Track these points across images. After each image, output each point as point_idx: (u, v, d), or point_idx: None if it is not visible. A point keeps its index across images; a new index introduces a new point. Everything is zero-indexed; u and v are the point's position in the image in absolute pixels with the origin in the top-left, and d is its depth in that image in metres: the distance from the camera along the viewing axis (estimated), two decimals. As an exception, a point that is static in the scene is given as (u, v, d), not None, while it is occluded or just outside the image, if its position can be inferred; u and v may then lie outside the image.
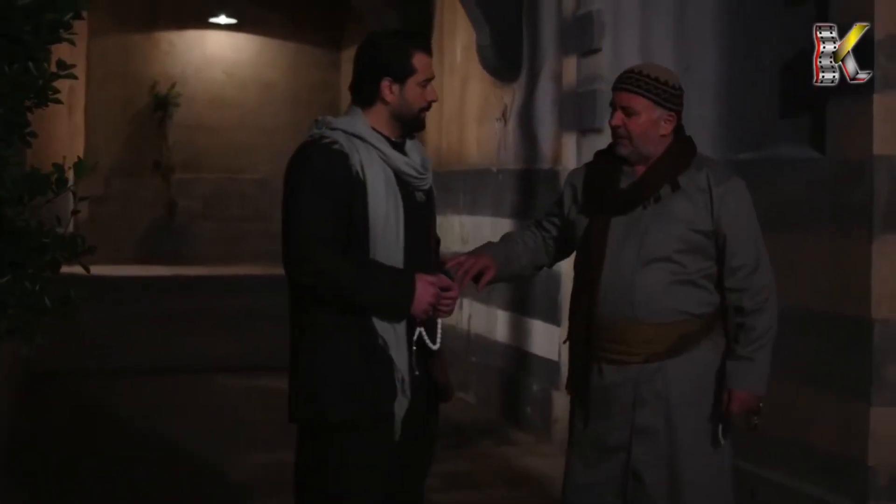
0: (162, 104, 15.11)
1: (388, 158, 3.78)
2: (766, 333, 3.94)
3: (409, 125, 3.88)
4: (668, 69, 4.14)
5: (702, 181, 3.93)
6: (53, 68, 3.67)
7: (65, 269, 3.85)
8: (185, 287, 12.73)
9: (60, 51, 4.02)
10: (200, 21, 15.37)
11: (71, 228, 4.03)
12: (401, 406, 3.74)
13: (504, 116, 9.18)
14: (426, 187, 3.91)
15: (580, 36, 7.73)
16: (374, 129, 3.81)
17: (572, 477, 4.07)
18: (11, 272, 3.66)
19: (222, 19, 15.34)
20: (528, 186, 8.66)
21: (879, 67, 4.89)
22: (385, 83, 3.80)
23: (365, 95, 3.84)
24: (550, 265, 4.33)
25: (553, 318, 8.11)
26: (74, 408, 9.24)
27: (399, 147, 3.86)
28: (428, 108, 3.88)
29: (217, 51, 15.58)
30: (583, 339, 3.97)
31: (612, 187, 3.99)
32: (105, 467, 7.25)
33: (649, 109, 3.91)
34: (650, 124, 3.92)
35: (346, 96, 17.47)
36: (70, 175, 3.61)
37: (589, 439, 4.02)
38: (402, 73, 3.80)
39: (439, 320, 3.81)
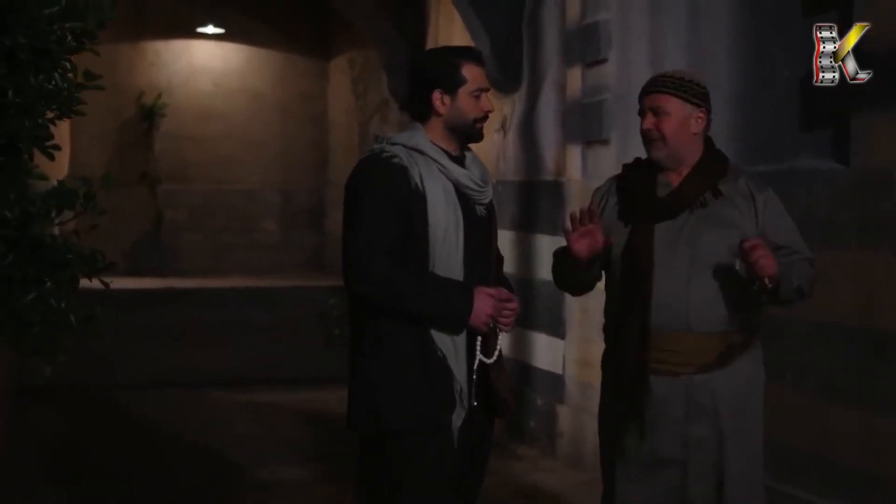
0: (148, 114, 14.97)
1: (447, 171, 3.78)
2: (802, 275, 3.86)
3: (466, 136, 3.87)
4: (693, 70, 4.18)
5: (743, 188, 3.95)
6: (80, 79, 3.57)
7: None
8: (173, 300, 12.63)
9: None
10: (187, 31, 15.24)
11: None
12: (458, 416, 3.75)
13: (503, 128, 9.10)
14: (486, 201, 3.90)
15: (585, 46, 7.66)
16: (433, 143, 3.81)
17: (619, 496, 3.99)
18: (35, 289, 3.56)
19: (210, 29, 15.21)
20: (530, 198, 8.58)
21: (908, 78, 4.84)
22: (436, 95, 3.82)
23: (420, 110, 3.86)
24: (594, 284, 4.23)
25: (557, 332, 8.03)
26: (65, 422, 9.12)
27: (459, 161, 3.85)
28: (484, 118, 3.86)
29: (204, 61, 15.45)
30: (637, 349, 3.87)
31: (650, 195, 3.93)
32: (99, 483, 7.14)
33: (679, 107, 3.92)
34: (681, 123, 3.92)
35: (333, 106, 17.39)
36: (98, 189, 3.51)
37: (635, 454, 3.94)
38: (452, 84, 3.81)
39: (500, 333, 3.82)
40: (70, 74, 3.57)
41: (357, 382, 3.82)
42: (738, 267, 3.77)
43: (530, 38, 8.72)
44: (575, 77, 7.83)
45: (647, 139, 3.95)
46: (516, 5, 8.84)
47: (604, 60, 7.45)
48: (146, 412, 9.43)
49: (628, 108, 7.10)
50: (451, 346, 3.73)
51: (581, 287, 4.23)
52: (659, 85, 3.94)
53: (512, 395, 3.93)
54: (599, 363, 4.21)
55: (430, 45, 10.78)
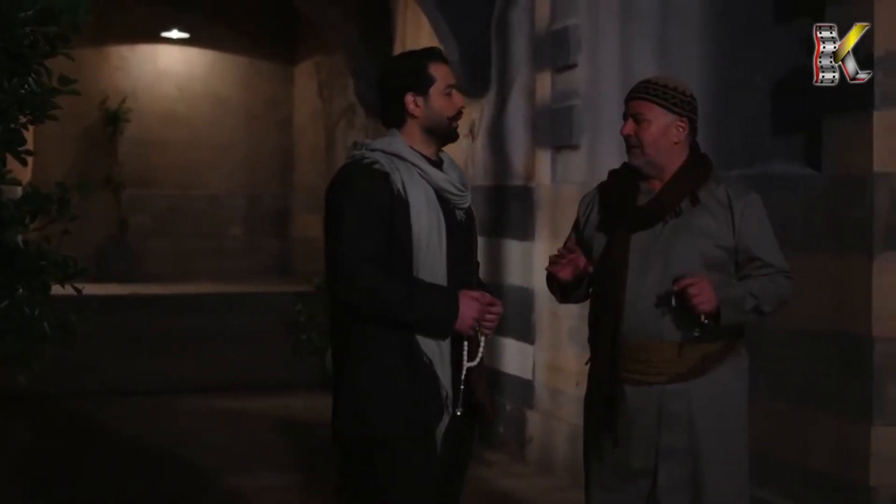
0: (113, 119, 14.82)
1: (427, 176, 3.78)
2: (761, 294, 3.82)
3: (443, 136, 3.88)
4: (679, 79, 4.12)
5: (721, 195, 3.90)
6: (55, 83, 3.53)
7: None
8: (142, 305, 12.53)
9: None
10: (152, 35, 15.12)
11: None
12: (442, 422, 3.76)
13: (472, 132, 9.09)
14: (466, 205, 3.91)
15: (555, 51, 7.66)
16: (412, 148, 3.81)
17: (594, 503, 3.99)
18: (8, 296, 3.51)
19: (174, 34, 15.10)
20: (499, 203, 8.57)
21: (878, 84, 4.85)
22: (409, 98, 3.82)
23: (394, 116, 3.86)
24: (588, 296, 4.22)
25: (527, 337, 8.01)
26: (37, 430, 9.04)
27: (437, 165, 3.86)
28: (458, 115, 3.88)
29: (169, 65, 15.33)
30: (608, 358, 3.87)
31: (630, 203, 3.92)
32: (72, 491, 7.08)
33: (659, 116, 3.89)
34: (661, 131, 3.89)
35: (299, 111, 17.24)
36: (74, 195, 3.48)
37: (610, 463, 3.93)
38: (422, 85, 3.82)
39: (482, 337, 3.83)
40: (44, 79, 3.53)
41: (343, 388, 3.80)
42: (673, 304, 3.77)
43: (499, 42, 8.72)
44: (544, 82, 7.82)
45: (627, 146, 3.95)
46: (485, 9, 8.83)
47: (573, 65, 7.45)
48: (118, 420, 9.38)
49: (598, 113, 7.14)
50: (437, 351, 3.73)
51: (576, 300, 4.23)
52: (642, 91, 3.92)
53: (490, 400, 3.94)
54: (569, 369, 4.21)
55: (397, 50, 10.75)
